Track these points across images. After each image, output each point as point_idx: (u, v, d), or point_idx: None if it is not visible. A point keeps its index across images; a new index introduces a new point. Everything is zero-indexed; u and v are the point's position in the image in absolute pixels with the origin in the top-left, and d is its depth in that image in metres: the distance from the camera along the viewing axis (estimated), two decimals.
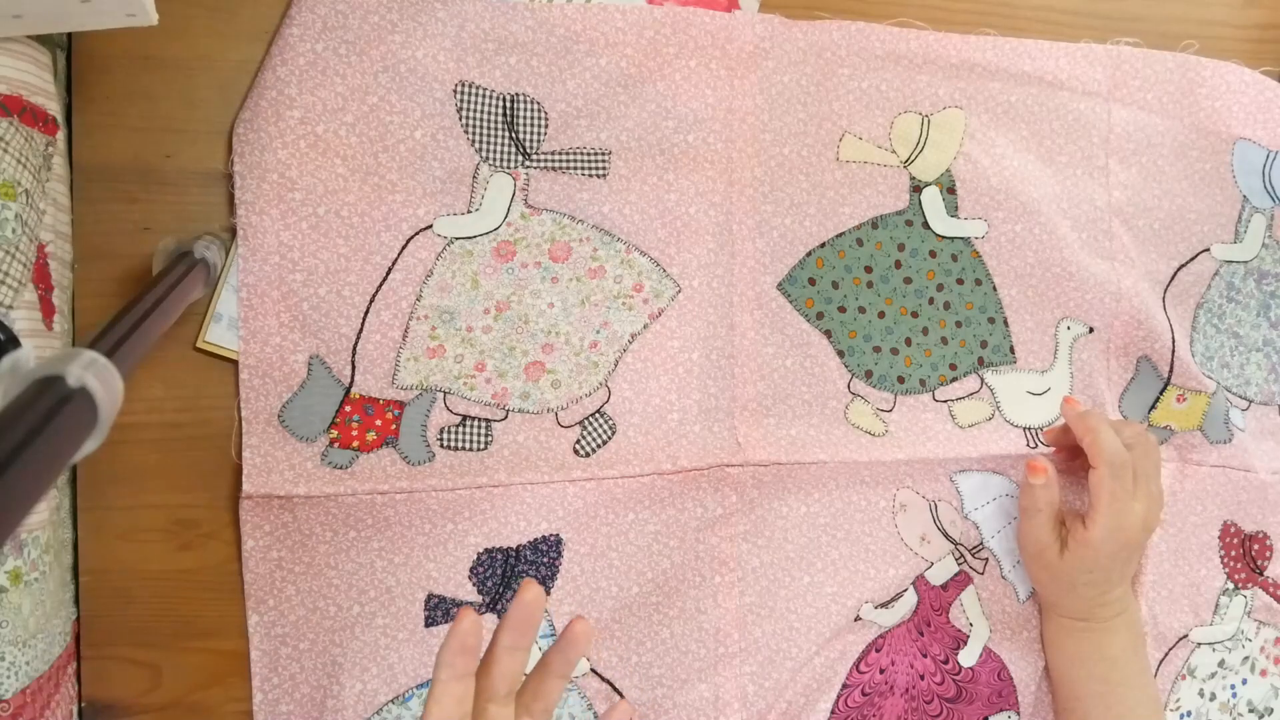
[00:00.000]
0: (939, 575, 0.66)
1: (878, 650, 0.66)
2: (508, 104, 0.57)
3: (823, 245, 0.63)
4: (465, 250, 0.58)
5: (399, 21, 0.55)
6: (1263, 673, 0.74)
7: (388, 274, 0.56)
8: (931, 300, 0.66)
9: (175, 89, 0.54)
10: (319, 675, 0.56)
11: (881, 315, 0.65)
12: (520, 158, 0.58)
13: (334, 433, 0.56)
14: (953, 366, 0.66)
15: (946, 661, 0.67)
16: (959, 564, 0.66)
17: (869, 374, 0.65)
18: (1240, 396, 0.73)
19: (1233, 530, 0.72)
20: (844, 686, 0.65)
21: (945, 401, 0.66)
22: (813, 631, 0.63)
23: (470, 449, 0.58)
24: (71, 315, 0.53)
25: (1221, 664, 0.72)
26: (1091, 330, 0.68)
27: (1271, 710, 0.74)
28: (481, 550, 0.58)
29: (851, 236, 0.64)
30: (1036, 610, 0.68)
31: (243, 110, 0.54)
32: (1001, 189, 0.65)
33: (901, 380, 0.65)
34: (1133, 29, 0.69)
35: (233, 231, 0.54)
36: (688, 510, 0.61)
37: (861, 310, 0.64)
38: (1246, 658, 0.73)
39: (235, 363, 0.55)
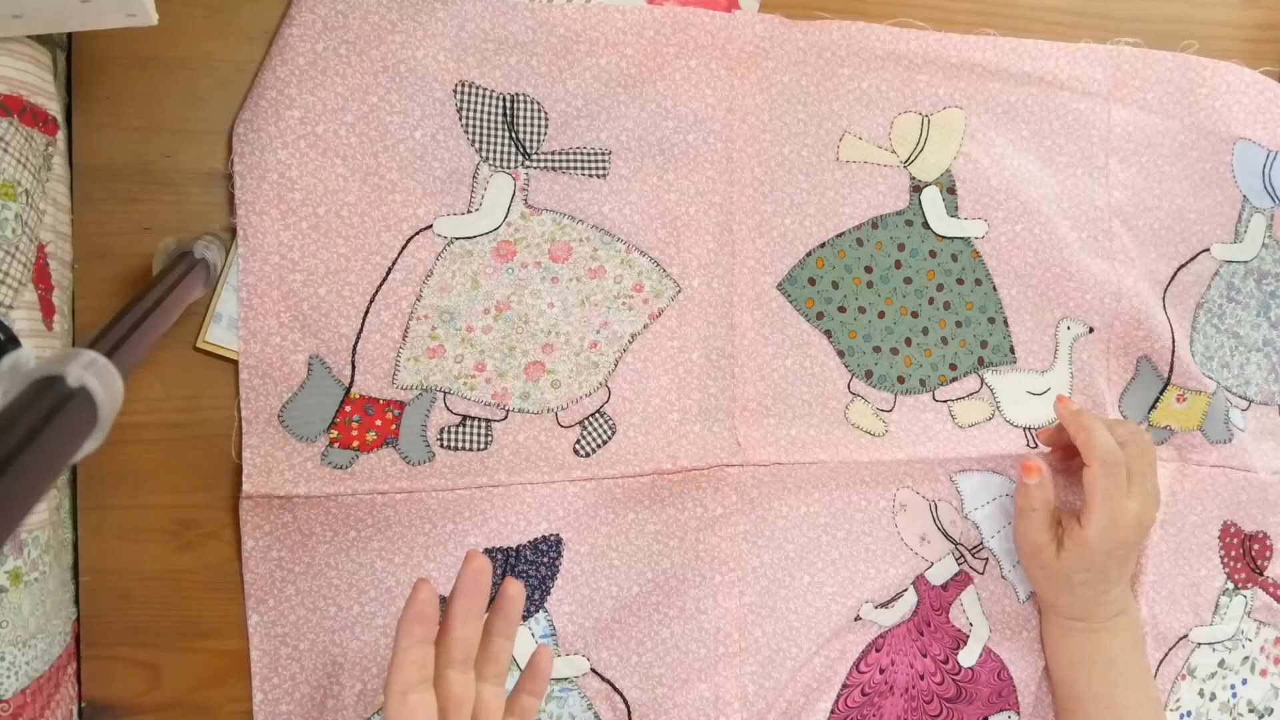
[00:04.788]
0: (939, 575, 0.66)
1: (878, 650, 0.66)
2: (508, 104, 0.57)
3: (823, 245, 0.63)
4: (465, 250, 0.58)
5: (399, 21, 0.55)
6: (1263, 673, 0.74)
7: (388, 274, 0.56)
8: (931, 300, 0.66)
9: (175, 89, 0.54)
10: (319, 675, 0.56)
11: (881, 315, 0.65)
12: (520, 158, 0.58)
13: (334, 433, 0.56)
14: (953, 366, 0.66)
15: (946, 661, 0.67)
16: (959, 564, 0.66)
17: (869, 374, 0.65)
18: (1240, 396, 0.73)
19: (1233, 530, 0.72)
20: (844, 686, 0.65)
21: (945, 401, 0.66)
22: (813, 631, 0.63)
23: (470, 449, 0.58)
24: (71, 315, 0.53)
25: (1221, 664, 0.72)
26: (1091, 330, 0.68)
27: (1271, 710, 0.74)
28: (481, 550, 0.58)
29: (851, 236, 0.64)
30: (1036, 610, 0.68)
31: (243, 110, 0.54)
32: (1001, 189, 0.65)
33: (901, 380, 0.65)
34: (1133, 29, 0.69)
35: (233, 231, 0.54)
36: (688, 510, 0.61)
37: (861, 310, 0.64)
38: (1246, 658, 0.73)
39: (235, 363, 0.55)
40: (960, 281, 0.66)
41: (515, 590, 0.48)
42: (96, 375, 0.30)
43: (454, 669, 0.44)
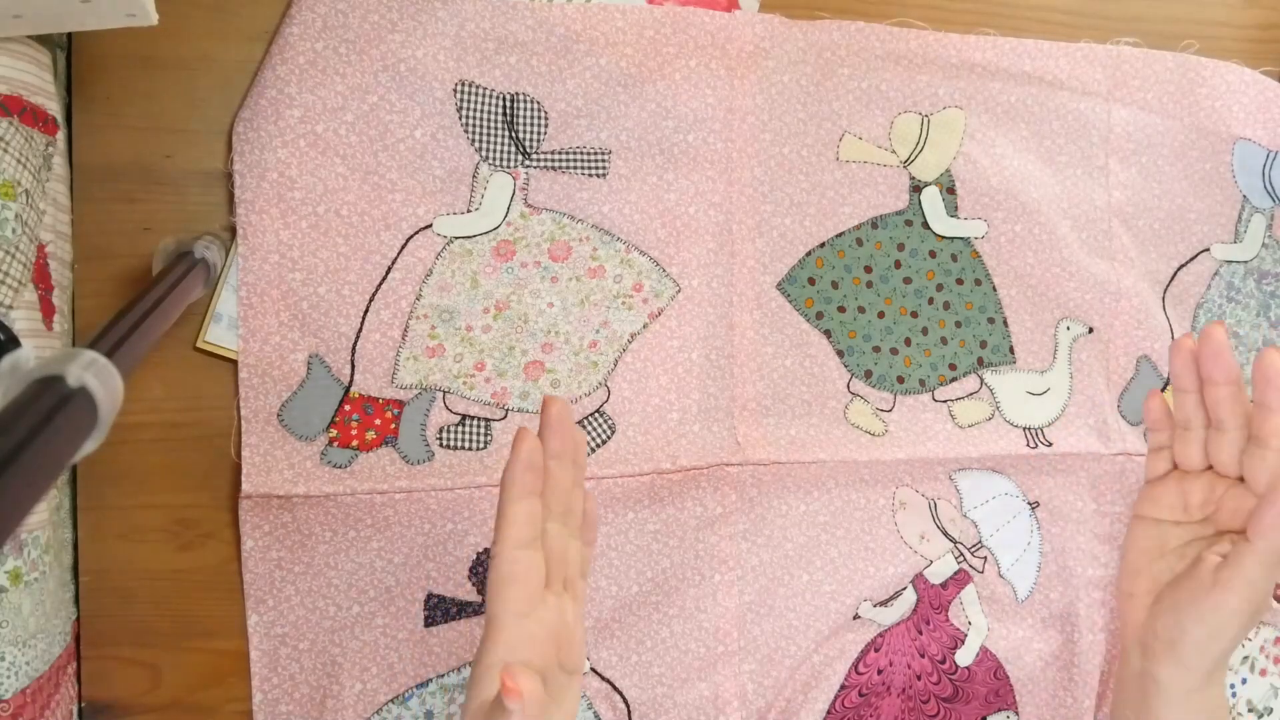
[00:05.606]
0: (938, 573, 0.66)
1: (876, 650, 0.66)
2: (508, 103, 0.57)
3: (822, 245, 0.63)
4: (465, 249, 0.58)
5: (399, 21, 0.55)
6: (1262, 672, 0.74)
7: (387, 273, 0.56)
8: (931, 300, 0.66)
9: (175, 89, 0.54)
10: (319, 675, 0.56)
11: (881, 315, 0.65)
12: (520, 157, 0.58)
13: (333, 432, 0.56)
14: (952, 366, 0.66)
15: (944, 661, 0.67)
16: (958, 562, 0.67)
17: (868, 374, 0.65)
18: None
19: None
20: (842, 687, 0.65)
21: (945, 401, 0.66)
22: (811, 630, 0.63)
23: (470, 448, 0.58)
24: (71, 315, 0.53)
25: None
26: (1091, 330, 0.68)
27: (1271, 710, 0.74)
28: (481, 550, 0.58)
29: (851, 236, 0.64)
30: (1034, 609, 0.68)
31: (242, 109, 0.54)
32: (1001, 189, 0.65)
33: (901, 380, 0.65)
34: (1133, 29, 0.69)
35: (233, 231, 0.54)
36: (687, 509, 0.61)
37: (861, 310, 0.64)
38: (1246, 657, 0.73)
39: (235, 363, 0.55)
40: (960, 281, 0.66)
41: (581, 435, 0.45)
42: (96, 375, 0.30)
43: (554, 521, 0.42)
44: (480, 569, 0.58)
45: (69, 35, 0.52)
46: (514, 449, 0.40)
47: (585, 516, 0.47)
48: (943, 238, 0.65)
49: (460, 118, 0.57)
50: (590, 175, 0.59)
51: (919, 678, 0.66)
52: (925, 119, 0.64)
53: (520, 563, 0.40)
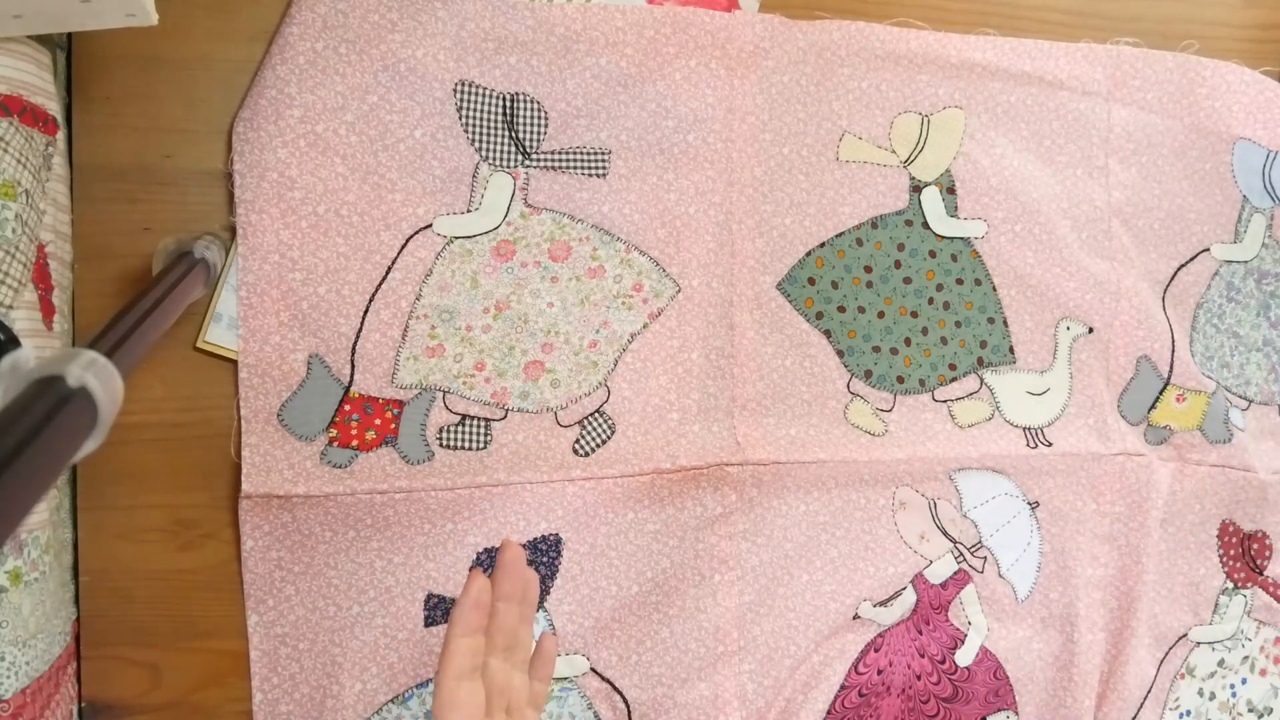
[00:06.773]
0: (938, 573, 0.66)
1: (876, 650, 0.66)
2: (508, 103, 0.57)
3: (822, 245, 0.63)
4: (465, 249, 0.58)
5: (399, 21, 0.55)
6: (1262, 672, 0.74)
7: (387, 273, 0.56)
8: (931, 300, 0.66)
9: (176, 89, 0.54)
10: (319, 675, 0.56)
11: (881, 315, 0.65)
12: (520, 157, 0.58)
13: (333, 431, 0.56)
14: (952, 366, 0.66)
15: (944, 661, 0.67)
16: (958, 562, 0.66)
17: (868, 374, 0.65)
18: (1240, 396, 0.73)
19: (1231, 529, 0.72)
20: (842, 688, 0.65)
21: (945, 401, 0.66)
22: (811, 629, 0.63)
23: (469, 448, 0.58)
24: (71, 315, 0.53)
25: (1221, 663, 0.72)
26: (1091, 330, 0.68)
27: (1271, 709, 0.74)
28: (481, 550, 0.58)
29: (851, 236, 0.64)
30: (1034, 609, 0.68)
31: (242, 109, 0.54)
32: (1001, 189, 0.65)
33: (901, 380, 0.65)
34: (1133, 29, 0.69)
35: (233, 231, 0.54)
36: (687, 509, 0.61)
37: (861, 310, 0.64)
38: (1246, 657, 0.73)
39: (235, 363, 0.55)
40: (960, 281, 0.66)
41: (533, 577, 0.49)
42: (96, 375, 0.30)
43: (496, 657, 0.45)
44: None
45: (69, 35, 0.52)
46: (464, 589, 0.44)
47: (541, 655, 0.50)
48: (943, 238, 0.65)
49: (460, 118, 0.57)
50: (590, 175, 0.59)
51: (919, 678, 0.66)
52: (925, 119, 0.64)
53: (460, 691, 0.43)
